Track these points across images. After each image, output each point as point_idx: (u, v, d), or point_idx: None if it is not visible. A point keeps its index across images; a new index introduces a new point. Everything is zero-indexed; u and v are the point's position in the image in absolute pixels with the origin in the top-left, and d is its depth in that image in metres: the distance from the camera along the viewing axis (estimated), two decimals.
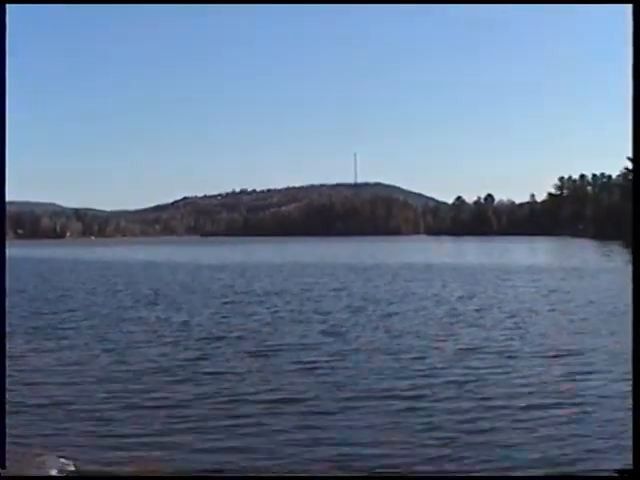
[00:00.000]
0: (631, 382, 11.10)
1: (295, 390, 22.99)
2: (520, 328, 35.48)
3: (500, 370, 25.57)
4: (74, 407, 21.41)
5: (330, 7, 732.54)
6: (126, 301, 52.82)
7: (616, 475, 13.00)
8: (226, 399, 21.97)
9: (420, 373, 25.23)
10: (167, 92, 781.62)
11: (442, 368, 26.01)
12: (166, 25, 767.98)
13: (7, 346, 30.60)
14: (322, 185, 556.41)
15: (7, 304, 41.61)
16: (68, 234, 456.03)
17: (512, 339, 32.32)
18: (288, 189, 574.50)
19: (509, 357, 27.92)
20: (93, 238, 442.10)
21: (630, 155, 10.92)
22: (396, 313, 41.99)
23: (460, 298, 50.69)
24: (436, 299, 49.98)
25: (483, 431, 18.14)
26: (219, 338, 33.84)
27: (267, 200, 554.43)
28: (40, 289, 65.13)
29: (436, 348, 30.17)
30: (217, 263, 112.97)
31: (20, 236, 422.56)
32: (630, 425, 11.77)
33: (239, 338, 33.74)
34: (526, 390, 22.38)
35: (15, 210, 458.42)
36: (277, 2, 22.39)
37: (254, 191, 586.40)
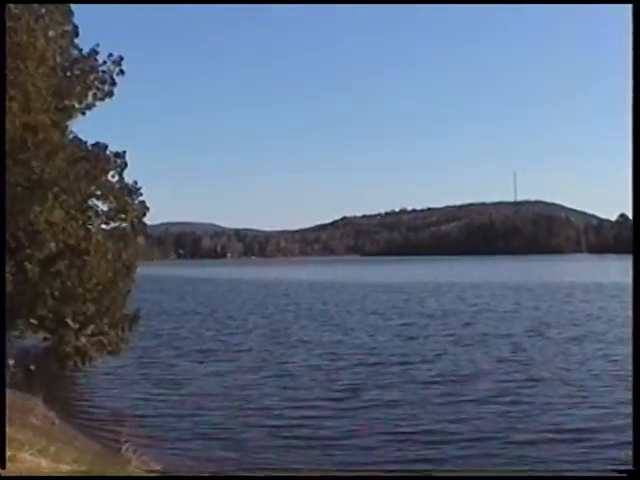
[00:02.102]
0: None
1: (471, 425, 20.87)
2: None
3: None
4: (232, 438, 20.23)
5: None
6: (292, 322, 51.99)
7: (616, 475, 12.54)
8: (396, 435, 20.05)
9: (610, 409, 22.49)
10: (329, 110, 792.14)
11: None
12: (340, 39, 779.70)
13: (174, 369, 30.62)
14: (482, 204, 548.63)
15: (172, 325, 41.71)
16: (229, 254, 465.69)
17: None
18: (447, 208, 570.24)
19: None
20: (254, 258, 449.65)
21: None
22: (575, 338, 39.13)
23: None
24: (619, 321, 46.68)
25: None
26: (395, 364, 32.07)
27: (427, 219, 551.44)
28: (205, 310, 65.29)
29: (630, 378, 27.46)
30: (380, 283, 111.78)
31: (181, 256, 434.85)
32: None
33: (414, 363, 31.94)
34: None
35: (177, 230, 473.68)
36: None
37: (414, 210, 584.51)
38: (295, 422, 21.71)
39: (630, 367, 8.46)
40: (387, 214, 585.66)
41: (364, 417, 22.19)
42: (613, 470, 12.82)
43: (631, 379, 8.64)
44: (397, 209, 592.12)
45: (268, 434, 20.41)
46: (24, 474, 10.81)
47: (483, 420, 21.46)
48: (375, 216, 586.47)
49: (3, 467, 9.30)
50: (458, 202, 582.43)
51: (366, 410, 23.15)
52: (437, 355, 34.20)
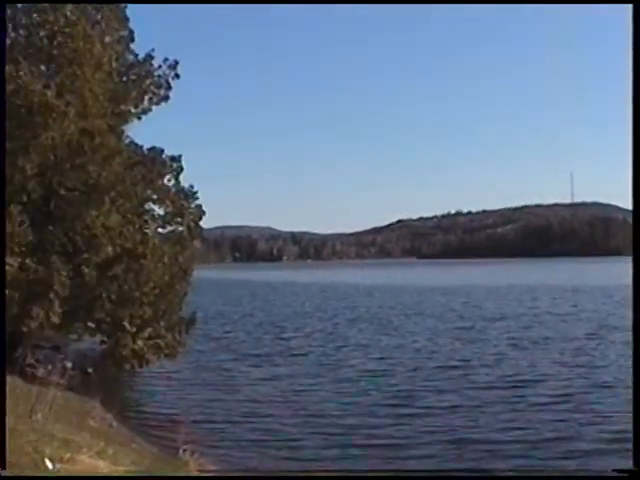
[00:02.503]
0: None
1: (532, 433, 20.33)
2: None
3: None
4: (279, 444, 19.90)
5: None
6: (349, 326, 51.58)
7: (616, 475, 12.44)
8: (455, 442, 19.49)
9: None
10: (387, 112, 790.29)
11: None
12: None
13: (230, 372, 30.55)
14: (538, 206, 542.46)
15: (229, 329, 41.21)
16: (285, 257, 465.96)
17: None
18: (503, 210, 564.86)
19: None
20: (309, 261, 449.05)
21: None
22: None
23: None
24: None
25: None
26: (454, 368, 31.63)
27: (483, 221, 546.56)
28: (262, 313, 65.25)
29: None
30: (437, 285, 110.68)
31: (237, 259, 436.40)
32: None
33: (474, 368, 31.48)
34: None
35: (233, 234, 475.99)
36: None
37: (469, 212, 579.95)
38: (352, 429, 21.34)
39: None
40: (443, 216, 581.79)
41: (422, 423, 21.78)
42: (613, 470, 12.42)
43: None
44: (453, 211, 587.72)
45: (324, 440, 20.10)
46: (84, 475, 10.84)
47: (544, 427, 20.89)
48: (431, 218, 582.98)
49: (3, 467, 9.30)
50: (514, 204, 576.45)
51: (425, 416, 22.76)
52: (497, 359, 33.65)
